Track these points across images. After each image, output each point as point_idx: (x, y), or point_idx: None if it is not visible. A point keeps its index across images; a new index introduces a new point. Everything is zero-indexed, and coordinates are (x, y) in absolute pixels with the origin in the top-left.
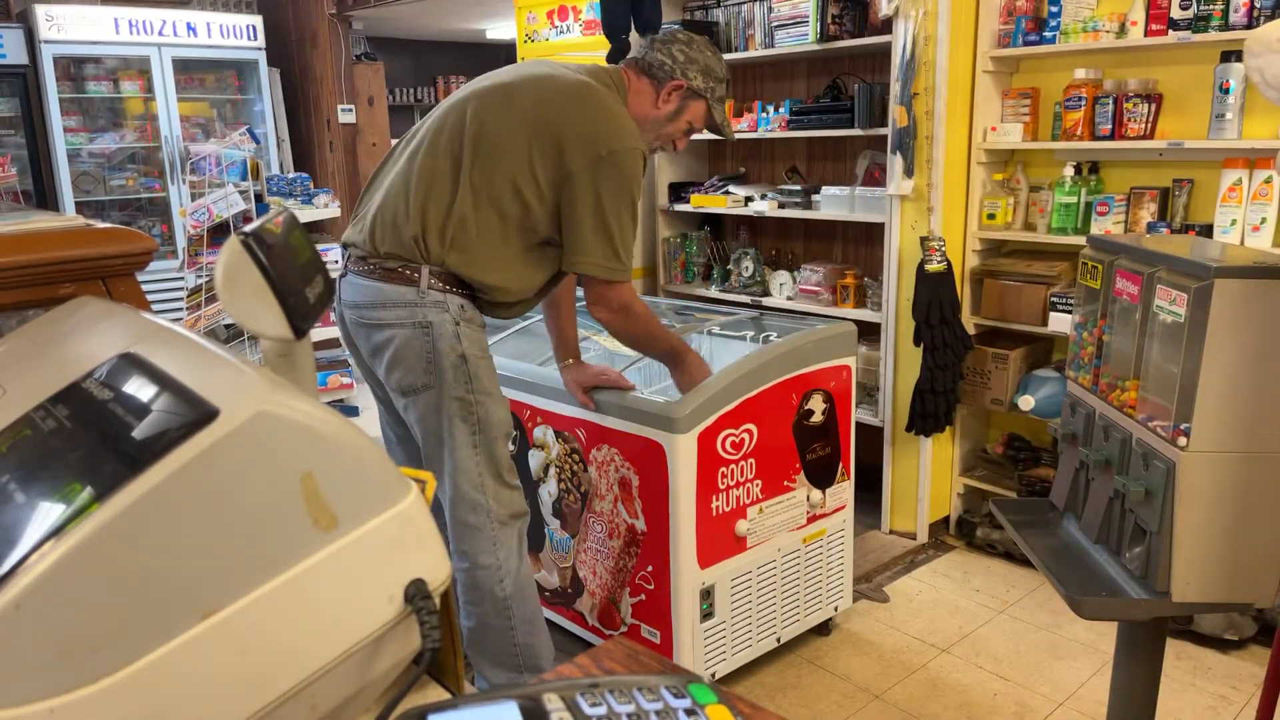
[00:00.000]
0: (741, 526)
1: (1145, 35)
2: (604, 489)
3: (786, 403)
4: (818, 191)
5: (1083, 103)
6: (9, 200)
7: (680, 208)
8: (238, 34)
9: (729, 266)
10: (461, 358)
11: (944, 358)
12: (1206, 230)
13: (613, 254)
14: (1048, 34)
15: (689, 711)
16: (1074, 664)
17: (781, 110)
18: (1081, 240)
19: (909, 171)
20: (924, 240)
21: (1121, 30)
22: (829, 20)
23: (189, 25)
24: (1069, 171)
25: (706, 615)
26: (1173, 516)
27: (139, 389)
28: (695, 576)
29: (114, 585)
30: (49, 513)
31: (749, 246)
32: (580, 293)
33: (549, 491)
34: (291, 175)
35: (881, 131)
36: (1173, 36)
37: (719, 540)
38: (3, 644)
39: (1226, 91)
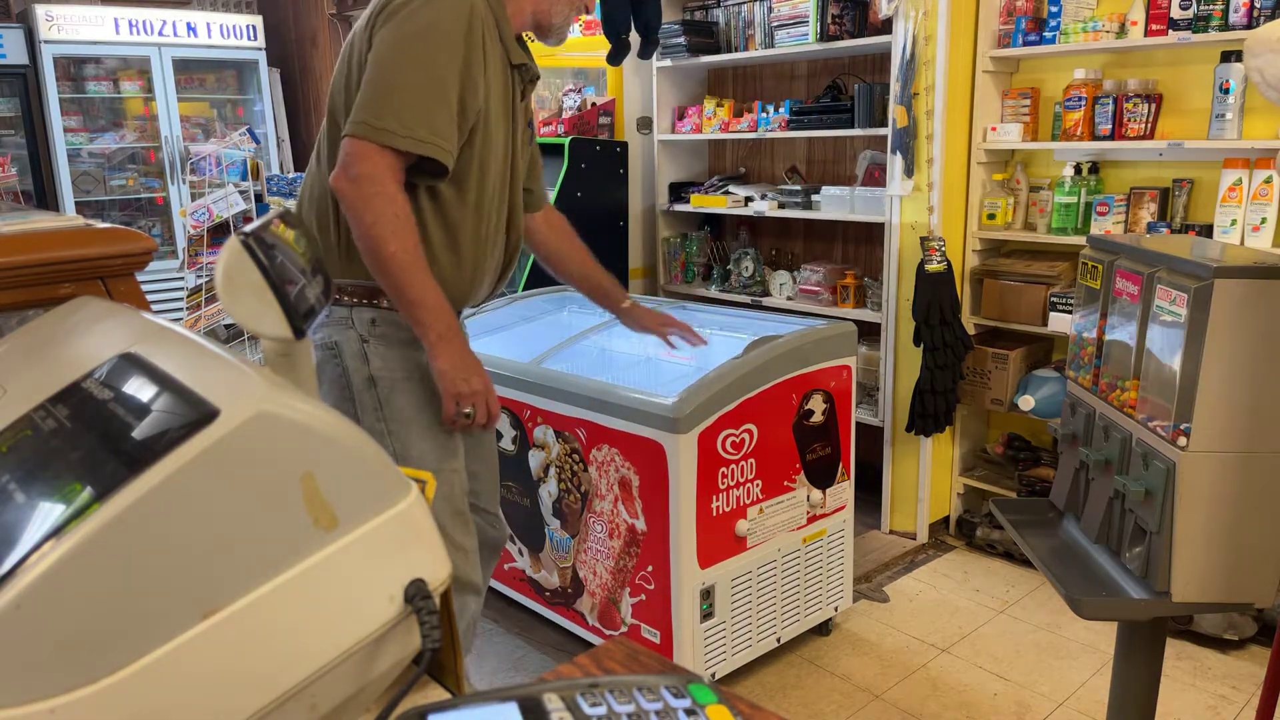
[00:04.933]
0: (741, 526)
1: (1145, 35)
2: (604, 489)
3: (786, 403)
4: (818, 191)
5: (1082, 103)
6: (9, 200)
7: (680, 208)
8: (238, 34)
9: (729, 266)
10: (369, 380)
11: (944, 358)
12: (1206, 230)
13: (377, 107)
14: (1048, 34)
15: (689, 711)
16: (1074, 664)
17: (781, 110)
18: (1081, 240)
19: (909, 171)
20: (924, 240)
21: (1121, 30)
22: (829, 20)
23: (189, 25)
24: (1069, 171)
25: (706, 615)
26: (1173, 516)
27: (139, 389)
28: (695, 576)
29: (114, 585)
30: (49, 513)
31: (749, 246)
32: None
33: (549, 491)
34: (291, 175)
35: (881, 131)
36: (1173, 36)
37: (719, 540)
38: (3, 644)
39: (1226, 91)
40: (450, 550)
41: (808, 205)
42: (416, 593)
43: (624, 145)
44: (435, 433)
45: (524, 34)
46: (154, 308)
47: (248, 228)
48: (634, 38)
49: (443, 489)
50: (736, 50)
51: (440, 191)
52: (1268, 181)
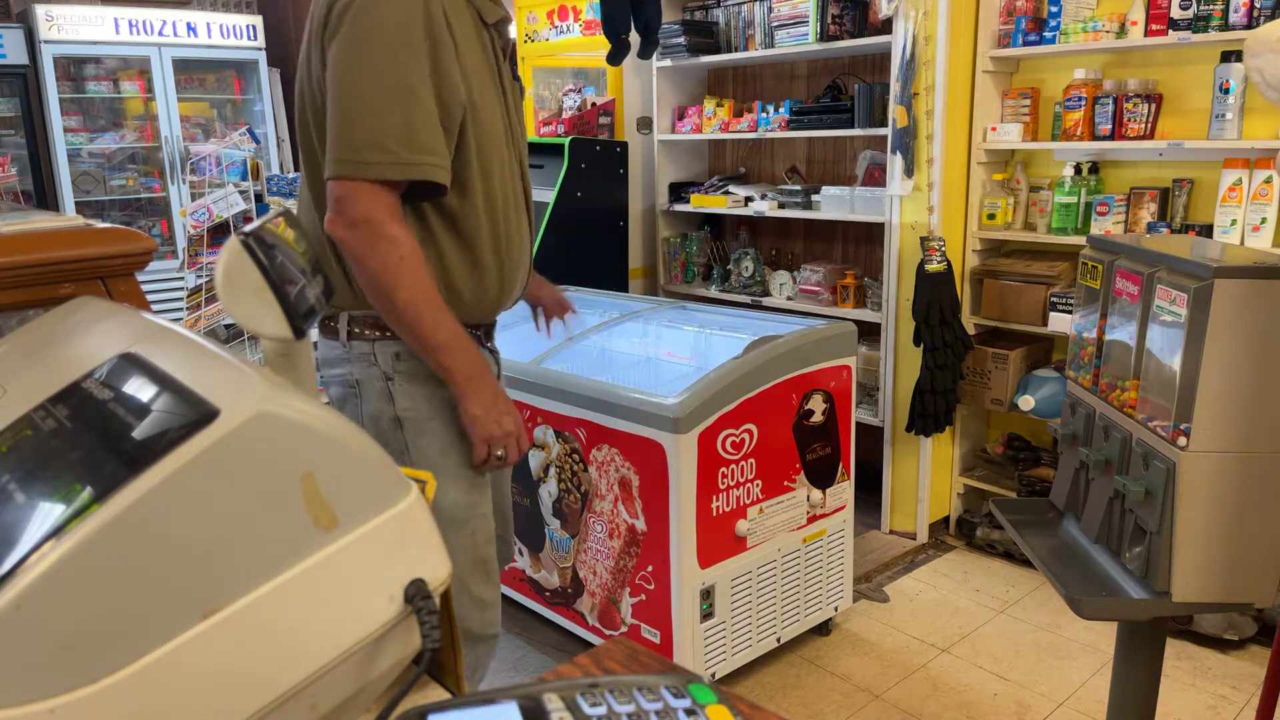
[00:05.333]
0: (742, 526)
1: (1145, 35)
2: (604, 489)
3: (786, 403)
4: (818, 191)
5: (1082, 103)
6: (9, 200)
7: (680, 208)
8: (238, 34)
9: (729, 266)
10: (395, 421)
11: (944, 358)
12: (1206, 230)
13: (351, 138)
14: (1048, 34)
15: (689, 711)
16: (1074, 664)
17: (781, 110)
18: (1081, 240)
19: (909, 171)
20: (924, 240)
21: (1121, 30)
22: (829, 20)
23: (189, 25)
24: (1069, 171)
25: (706, 615)
26: (1173, 516)
27: (139, 389)
28: (695, 576)
29: (114, 585)
30: (49, 513)
31: (749, 246)
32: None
33: (549, 491)
34: (291, 175)
35: (881, 131)
36: (1173, 36)
37: (719, 540)
38: (3, 644)
39: (1226, 91)
40: (466, 604)
41: (808, 205)
42: (416, 593)
43: (624, 145)
44: (463, 476)
45: None
46: (154, 308)
47: (248, 228)
48: (634, 38)
49: (464, 539)
50: (736, 50)
51: (445, 204)
52: (1268, 181)
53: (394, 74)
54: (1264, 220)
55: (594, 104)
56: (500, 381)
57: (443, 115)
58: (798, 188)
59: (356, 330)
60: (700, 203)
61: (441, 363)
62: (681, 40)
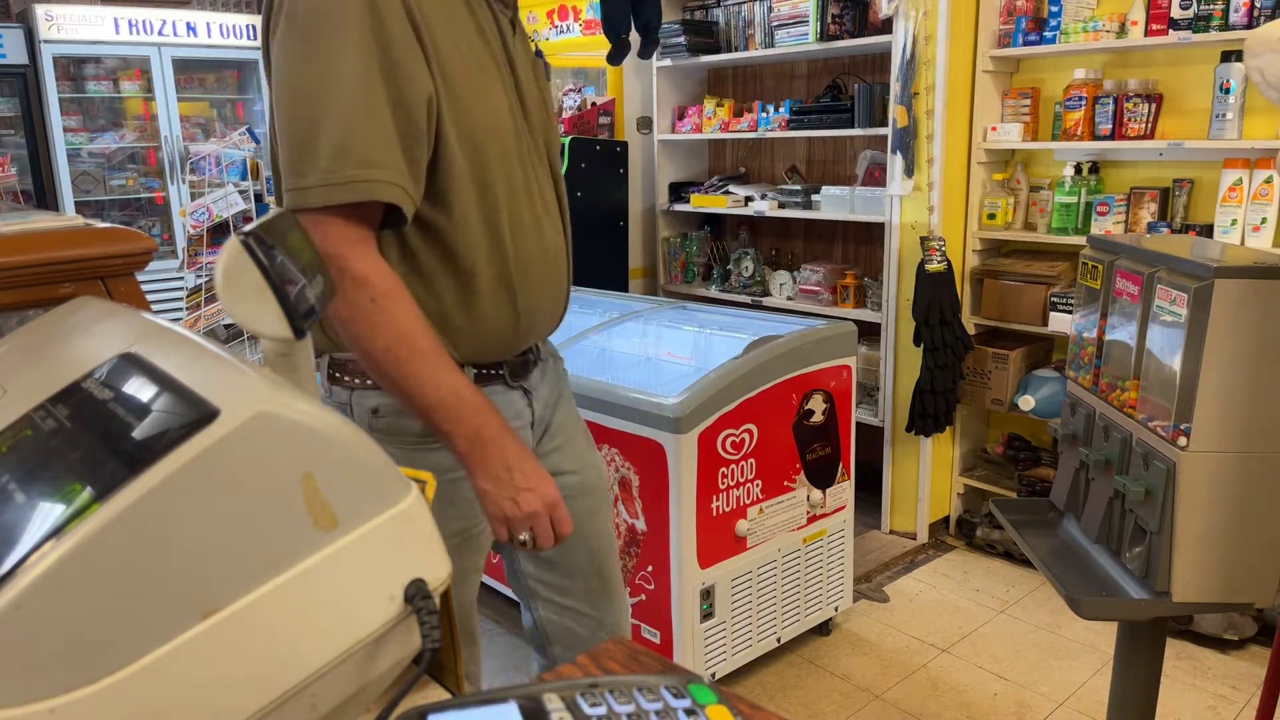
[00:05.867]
0: (742, 526)
1: (1145, 35)
2: None
3: (787, 403)
4: (818, 191)
5: (1083, 103)
6: (9, 200)
7: (680, 208)
8: (238, 34)
9: (729, 266)
10: None
11: (944, 358)
12: (1206, 230)
13: (295, 161)
14: (1048, 34)
15: (689, 711)
16: (1074, 664)
17: (781, 110)
18: (1081, 240)
19: (909, 171)
20: (924, 240)
21: (1121, 30)
22: (829, 20)
23: (189, 25)
24: (1069, 171)
25: (706, 615)
26: (1173, 516)
27: (139, 389)
28: (695, 576)
29: (114, 585)
30: (49, 513)
31: (749, 246)
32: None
33: None
34: None
35: (881, 131)
36: (1173, 36)
37: (719, 540)
38: (3, 644)
39: (1226, 91)
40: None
41: (808, 205)
42: (416, 593)
43: (624, 145)
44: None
45: None
46: (154, 308)
47: (248, 227)
48: (634, 37)
49: None
50: (736, 50)
51: (429, 221)
52: (1268, 181)
53: (332, 77)
54: (1264, 220)
55: (594, 104)
56: (537, 430)
57: (398, 112)
58: (798, 188)
59: (337, 375)
60: (700, 202)
61: (437, 426)
62: (681, 40)
